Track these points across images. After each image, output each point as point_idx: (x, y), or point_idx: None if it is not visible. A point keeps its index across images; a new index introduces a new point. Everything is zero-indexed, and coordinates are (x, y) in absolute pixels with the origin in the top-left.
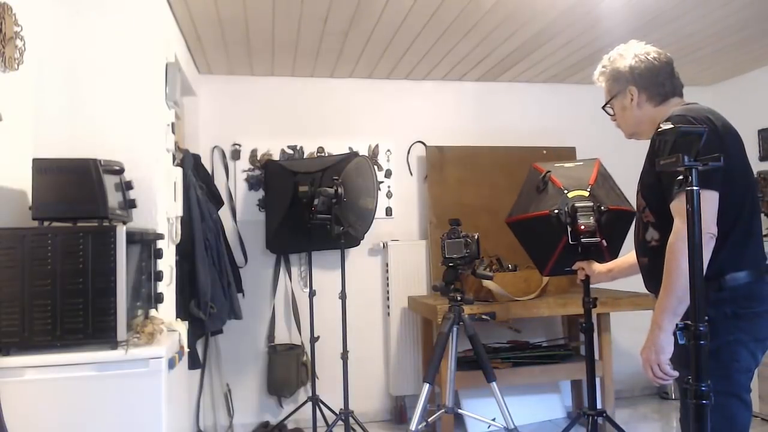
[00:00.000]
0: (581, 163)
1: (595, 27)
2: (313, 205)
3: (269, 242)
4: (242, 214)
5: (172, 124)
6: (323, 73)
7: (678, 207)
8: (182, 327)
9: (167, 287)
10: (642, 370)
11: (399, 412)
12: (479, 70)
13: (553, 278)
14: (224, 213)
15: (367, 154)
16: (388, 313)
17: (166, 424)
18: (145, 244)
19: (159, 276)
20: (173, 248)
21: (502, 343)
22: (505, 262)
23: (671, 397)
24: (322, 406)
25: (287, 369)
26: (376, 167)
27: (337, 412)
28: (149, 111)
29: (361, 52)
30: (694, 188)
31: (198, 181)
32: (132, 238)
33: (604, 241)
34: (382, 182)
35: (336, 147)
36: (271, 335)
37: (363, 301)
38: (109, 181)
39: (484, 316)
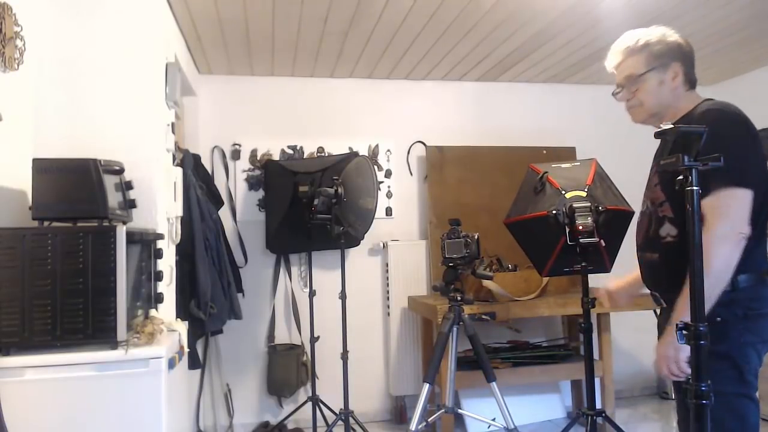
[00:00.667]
0: (578, 163)
1: (595, 27)
2: (313, 205)
3: (269, 242)
4: (242, 214)
5: (172, 124)
6: (323, 73)
7: (712, 204)
8: (182, 327)
9: (167, 287)
10: (654, 366)
11: (399, 412)
12: (479, 70)
13: (553, 278)
14: (224, 213)
15: (367, 154)
16: (388, 313)
17: (166, 424)
18: (145, 244)
19: (159, 276)
20: (173, 248)
21: (502, 343)
22: (505, 262)
23: (671, 397)
24: (322, 406)
25: (287, 369)
26: (376, 167)
27: (337, 412)
28: (149, 111)
29: (361, 52)
30: (694, 188)
31: (198, 181)
32: (132, 238)
33: (602, 241)
34: (382, 182)
35: (336, 147)
36: (271, 335)
37: (363, 301)
38: (109, 181)
39: (484, 316)
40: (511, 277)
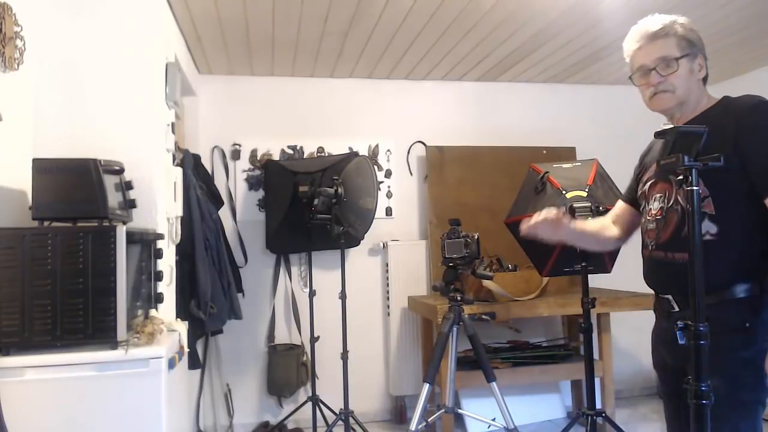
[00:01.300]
0: (579, 163)
1: (594, 27)
2: (313, 205)
3: (269, 242)
4: (242, 214)
5: (172, 124)
6: (323, 73)
7: None
8: (182, 327)
9: (167, 287)
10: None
11: (399, 412)
12: (479, 70)
13: (553, 278)
14: (224, 213)
15: (367, 154)
16: (388, 313)
17: (166, 424)
18: (145, 244)
19: (159, 276)
20: (173, 248)
21: (502, 343)
22: (505, 262)
23: None
24: (322, 406)
25: (287, 369)
26: (376, 167)
27: (337, 412)
28: (149, 111)
29: (361, 52)
30: (694, 188)
31: (198, 181)
32: (132, 238)
33: None
34: (382, 182)
35: (336, 147)
36: (271, 335)
37: (363, 301)
38: (109, 181)
39: (484, 316)
40: (511, 277)
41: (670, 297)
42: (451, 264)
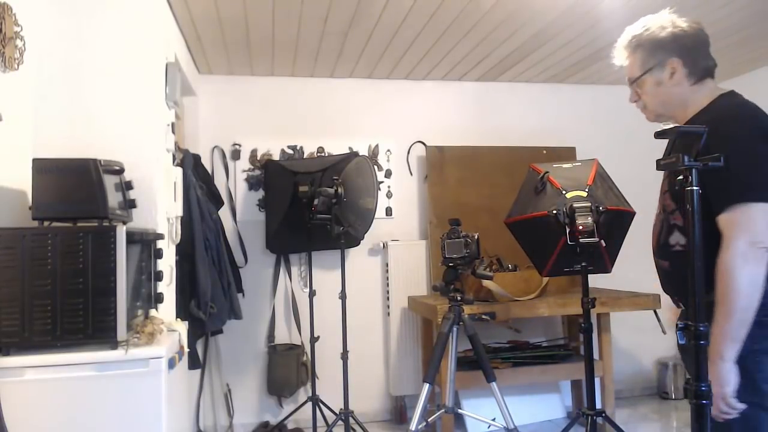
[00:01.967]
0: (579, 163)
1: (594, 27)
2: (313, 205)
3: (269, 242)
4: (242, 214)
5: (172, 124)
6: (323, 73)
7: (730, 220)
8: (182, 327)
9: (167, 287)
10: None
11: (399, 412)
12: (479, 70)
13: (553, 278)
14: (224, 213)
15: (367, 154)
16: (388, 313)
17: (166, 424)
18: (145, 244)
19: (159, 276)
20: (173, 248)
21: (502, 343)
22: (505, 262)
23: (671, 397)
24: (322, 406)
25: (287, 369)
26: (376, 167)
27: (337, 412)
28: (149, 111)
29: (361, 52)
30: (694, 188)
31: (198, 181)
32: (132, 238)
33: (602, 242)
34: (382, 182)
35: (336, 147)
36: (271, 335)
37: (363, 301)
38: (109, 181)
39: (484, 316)
40: (511, 277)
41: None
42: (451, 264)
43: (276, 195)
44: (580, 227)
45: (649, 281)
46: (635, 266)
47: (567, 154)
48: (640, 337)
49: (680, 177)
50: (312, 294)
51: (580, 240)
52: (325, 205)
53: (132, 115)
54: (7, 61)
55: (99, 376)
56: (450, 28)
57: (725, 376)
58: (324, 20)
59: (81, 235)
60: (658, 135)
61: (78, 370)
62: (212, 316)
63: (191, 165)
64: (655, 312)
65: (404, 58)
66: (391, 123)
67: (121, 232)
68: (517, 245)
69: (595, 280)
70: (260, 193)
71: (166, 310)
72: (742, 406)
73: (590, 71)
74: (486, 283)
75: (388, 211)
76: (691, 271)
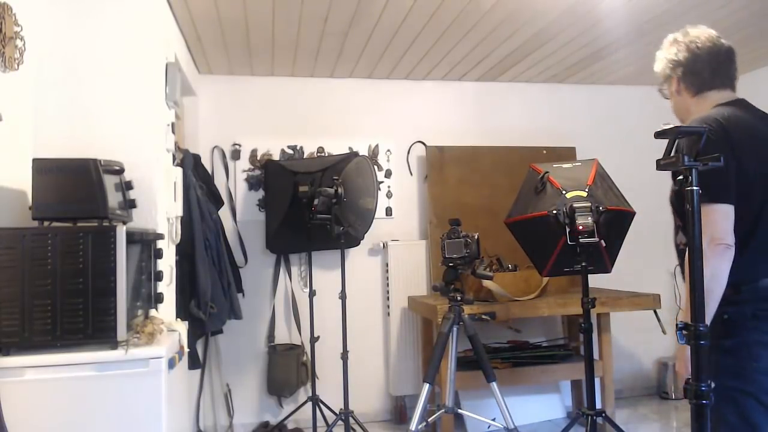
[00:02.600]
0: (579, 163)
1: (595, 27)
2: (313, 205)
3: (269, 242)
4: (242, 214)
5: (172, 124)
6: (323, 73)
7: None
8: (182, 327)
9: (167, 287)
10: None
11: (399, 412)
12: (479, 70)
13: (553, 278)
14: (224, 213)
15: (367, 154)
16: (388, 313)
17: (166, 424)
18: (145, 244)
19: (159, 276)
20: (173, 248)
21: (502, 343)
22: (505, 262)
23: (671, 397)
24: (322, 406)
25: (287, 369)
26: (376, 167)
27: (337, 412)
28: (149, 111)
29: (361, 52)
30: (694, 188)
31: (198, 181)
32: (132, 238)
33: (602, 242)
34: (382, 182)
35: (336, 147)
36: (271, 335)
37: (363, 301)
38: (109, 181)
39: (484, 316)
40: (511, 277)
41: None
42: (451, 264)
43: (276, 195)
44: (580, 227)
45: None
46: (635, 266)
47: (567, 154)
48: (640, 337)
49: (680, 177)
50: (312, 294)
51: (580, 240)
52: (325, 205)
53: (132, 115)
54: (7, 61)
55: (99, 376)
56: (450, 28)
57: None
58: (324, 20)
59: (81, 235)
60: (658, 135)
61: (78, 370)
62: (212, 316)
63: (191, 165)
64: (655, 312)
65: (404, 58)
66: (391, 123)
67: (121, 232)
68: (517, 245)
69: (595, 280)
70: (260, 193)
71: (166, 310)
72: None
73: (590, 71)
74: (486, 283)
75: (388, 211)
76: (690, 271)
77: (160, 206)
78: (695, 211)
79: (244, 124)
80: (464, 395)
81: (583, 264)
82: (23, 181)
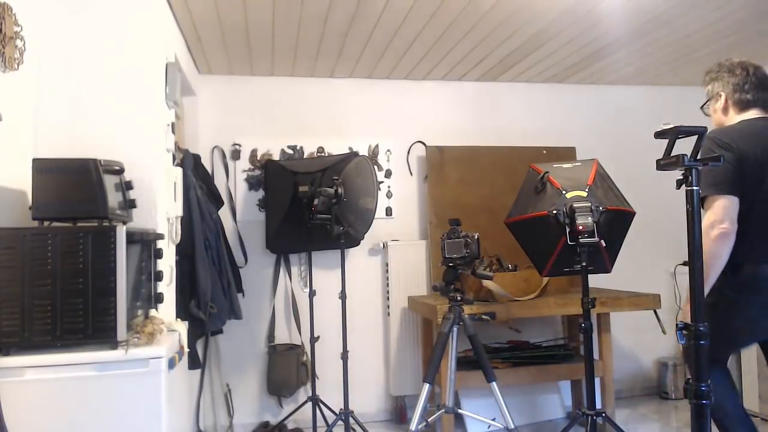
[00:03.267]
0: (579, 163)
1: (595, 27)
2: (313, 205)
3: (269, 242)
4: (242, 214)
5: (172, 124)
6: (323, 73)
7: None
8: (182, 327)
9: (167, 287)
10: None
11: (399, 412)
12: (479, 70)
13: (553, 278)
14: (224, 213)
15: (367, 154)
16: (388, 313)
17: (166, 424)
18: (145, 244)
19: (159, 276)
20: (173, 248)
21: (502, 343)
22: (505, 262)
23: (671, 397)
24: (322, 406)
25: (287, 369)
26: (376, 167)
27: (337, 412)
28: (149, 111)
29: (361, 52)
30: (694, 188)
31: (198, 181)
32: (132, 238)
33: (602, 242)
34: (382, 182)
35: (336, 147)
36: (271, 335)
37: (363, 301)
38: (109, 181)
39: (484, 316)
40: (511, 277)
41: None
42: (451, 264)
43: (276, 195)
44: (580, 227)
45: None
46: (635, 266)
47: (567, 154)
48: (640, 337)
49: (680, 177)
50: (312, 294)
51: (580, 240)
52: (325, 205)
53: (132, 115)
54: (7, 61)
55: (99, 376)
56: (450, 28)
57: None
58: (324, 20)
59: (81, 235)
60: (658, 135)
61: (78, 370)
62: (212, 316)
63: (191, 165)
64: (655, 312)
65: (404, 58)
66: (391, 123)
67: (121, 232)
68: (517, 245)
69: (595, 280)
70: (260, 193)
71: (166, 310)
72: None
73: (590, 71)
74: (486, 283)
75: (388, 211)
76: (691, 268)
77: (160, 206)
78: (695, 211)
79: (244, 124)
80: (464, 395)
81: (583, 264)
82: (23, 181)
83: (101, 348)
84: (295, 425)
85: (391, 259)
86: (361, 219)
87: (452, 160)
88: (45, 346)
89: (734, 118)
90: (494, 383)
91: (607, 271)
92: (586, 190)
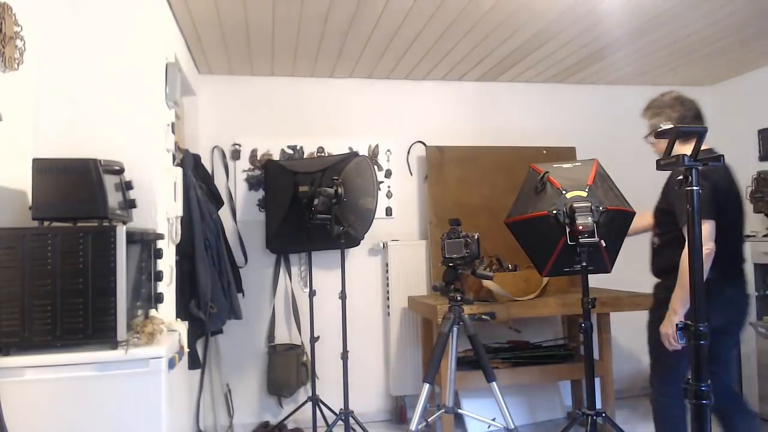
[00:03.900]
0: (579, 163)
1: (595, 27)
2: (313, 205)
3: (269, 242)
4: (242, 214)
5: (172, 124)
6: (323, 73)
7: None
8: (182, 327)
9: (167, 287)
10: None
11: (399, 412)
12: (479, 70)
13: (553, 278)
14: (224, 213)
15: (367, 154)
16: (388, 313)
17: (166, 424)
18: (145, 244)
19: (159, 276)
20: (173, 248)
21: (502, 343)
22: (505, 262)
23: None
24: (322, 406)
25: (287, 369)
26: (376, 167)
27: (337, 412)
28: (149, 111)
29: (361, 52)
30: (694, 188)
31: (198, 181)
32: (132, 238)
33: (602, 242)
34: (382, 182)
35: (336, 147)
36: (271, 335)
37: (363, 301)
38: (109, 181)
39: (484, 316)
40: (511, 277)
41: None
42: (451, 264)
43: (276, 195)
44: (580, 227)
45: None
46: (635, 266)
47: (567, 154)
48: (640, 337)
49: (680, 177)
50: (312, 294)
51: (580, 240)
52: (325, 205)
53: (132, 115)
54: (7, 61)
55: (99, 376)
56: (450, 28)
57: (675, 323)
58: (324, 20)
59: (81, 235)
60: (658, 135)
61: (78, 370)
62: (212, 316)
63: (191, 165)
64: None
65: (404, 58)
66: (391, 123)
67: (121, 232)
68: (517, 245)
69: (595, 280)
70: (260, 193)
71: (166, 310)
72: (683, 343)
73: (590, 71)
74: (486, 283)
75: (388, 211)
76: (691, 268)
77: (160, 206)
78: (695, 211)
79: (244, 124)
80: (464, 395)
81: (583, 264)
82: (23, 181)
83: (101, 348)
84: (295, 425)
85: (391, 259)
86: (361, 219)
87: (452, 160)
88: (45, 346)
89: (678, 148)
90: (494, 383)
91: (607, 271)
92: (586, 190)
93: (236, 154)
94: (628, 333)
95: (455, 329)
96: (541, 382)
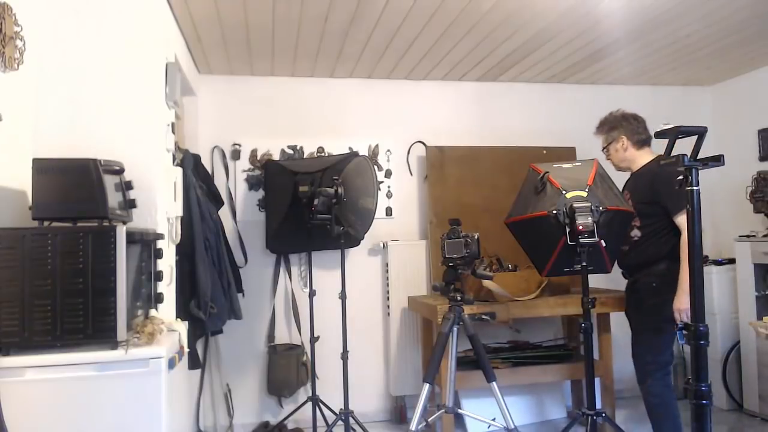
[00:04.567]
0: (579, 163)
1: (594, 27)
2: (313, 205)
3: (269, 242)
4: (242, 214)
5: (172, 124)
6: (323, 73)
7: (681, 220)
8: (182, 327)
9: (167, 287)
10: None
11: (399, 412)
12: (479, 70)
13: (553, 278)
14: (224, 213)
15: (367, 154)
16: (388, 313)
17: (166, 424)
18: (145, 244)
19: (159, 276)
20: (173, 248)
21: (502, 343)
22: (505, 262)
23: None
24: (322, 406)
25: (287, 369)
26: (376, 167)
27: (337, 412)
28: (149, 111)
29: (361, 52)
30: (694, 188)
31: (198, 181)
32: (132, 238)
33: (602, 242)
34: (382, 182)
35: (336, 147)
36: (271, 335)
37: (363, 301)
38: (109, 181)
39: (484, 316)
40: (511, 277)
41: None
42: (451, 264)
43: (276, 195)
44: (580, 227)
45: None
46: None
47: (567, 154)
48: None
49: (680, 177)
50: (312, 294)
51: (580, 240)
52: (325, 205)
53: (132, 115)
54: (7, 61)
55: (99, 376)
56: (450, 28)
57: (688, 300)
58: (324, 20)
59: (81, 235)
60: (658, 135)
61: (78, 370)
62: (212, 316)
63: (191, 165)
64: None
65: (404, 58)
66: (391, 123)
67: (121, 232)
68: (517, 245)
69: (595, 280)
70: (260, 193)
71: (166, 310)
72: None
73: (590, 71)
74: (486, 283)
75: (388, 211)
76: (691, 268)
77: (160, 206)
78: (695, 211)
79: (244, 124)
80: (464, 395)
81: (583, 264)
82: (23, 181)
83: (101, 348)
84: (295, 425)
85: (391, 259)
86: (361, 219)
87: (452, 160)
88: (45, 346)
89: (635, 153)
90: (494, 383)
91: (607, 271)
92: (586, 190)
93: (236, 154)
94: (628, 333)
95: (455, 329)
96: (541, 382)
